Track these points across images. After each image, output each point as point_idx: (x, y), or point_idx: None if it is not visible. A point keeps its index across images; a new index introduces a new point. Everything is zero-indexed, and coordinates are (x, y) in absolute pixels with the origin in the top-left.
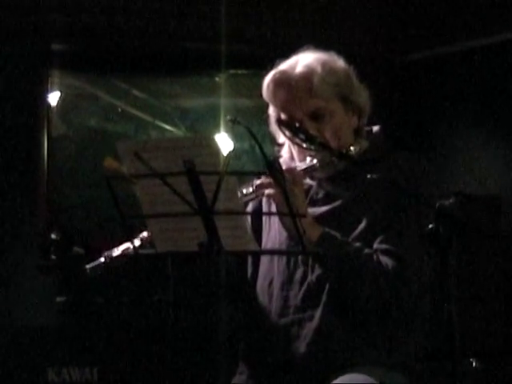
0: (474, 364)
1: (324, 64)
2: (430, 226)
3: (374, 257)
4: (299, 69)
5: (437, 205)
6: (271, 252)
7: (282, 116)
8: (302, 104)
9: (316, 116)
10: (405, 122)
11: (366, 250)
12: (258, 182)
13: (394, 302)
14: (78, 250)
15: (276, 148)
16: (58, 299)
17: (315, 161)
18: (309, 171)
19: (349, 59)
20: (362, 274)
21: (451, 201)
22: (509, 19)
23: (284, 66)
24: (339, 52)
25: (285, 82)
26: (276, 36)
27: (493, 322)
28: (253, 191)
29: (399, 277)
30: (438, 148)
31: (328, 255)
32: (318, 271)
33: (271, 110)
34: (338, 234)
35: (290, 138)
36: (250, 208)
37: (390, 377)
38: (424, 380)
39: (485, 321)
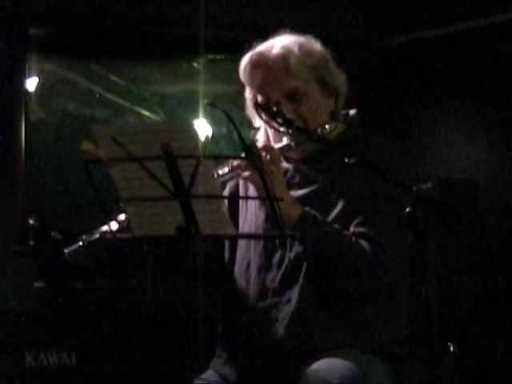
0: (451, 348)
1: (301, 45)
2: (408, 209)
3: (353, 239)
4: (276, 50)
5: (414, 188)
6: (249, 236)
7: (259, 98)
8: (279, 84)
9: (293, 97)
10: (383, 107)
11: (345, 232)
12: (234, 162)
13: (372, 285)
14: (55, 235)
15: (252, 132)
16: (36, 284)
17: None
18: (285, 150)
19: (327, 43)
20: (340, 254)
21: (429, 185)
22: (489, 4)
23: (261, 47)
24: (318, 36)
25: (262, 63)
26: (255, 20)
27: (470, 306)
28: (229, 171)
29: (376, 260)
30: (415, 132)
31: (307, 235)
32: (297, 249)
33: (248, 93)
34: (318, 214)
35: (266, 122)
36: (226, 191)
37: (367, 360)
38: (401, 364)
39: (462, 305)
